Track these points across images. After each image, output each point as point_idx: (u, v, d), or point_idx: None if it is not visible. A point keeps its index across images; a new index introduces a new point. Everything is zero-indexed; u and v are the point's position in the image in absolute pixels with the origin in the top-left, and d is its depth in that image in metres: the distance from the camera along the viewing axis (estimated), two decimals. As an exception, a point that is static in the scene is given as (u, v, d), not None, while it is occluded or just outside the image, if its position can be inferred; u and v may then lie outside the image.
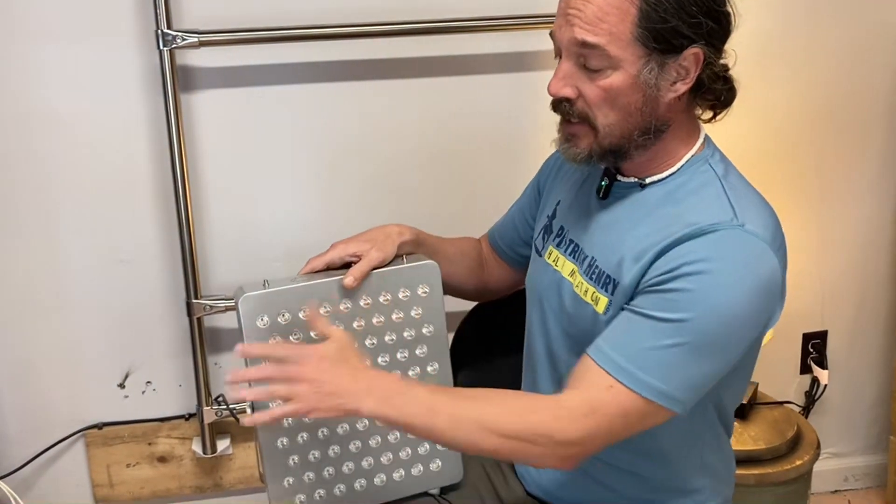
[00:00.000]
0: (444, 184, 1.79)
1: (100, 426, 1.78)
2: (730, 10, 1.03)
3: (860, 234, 2.06)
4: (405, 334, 1.23)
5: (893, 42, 1.92)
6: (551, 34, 1.06)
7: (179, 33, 1.52)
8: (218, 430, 1.79)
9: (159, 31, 1.51)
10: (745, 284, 0.98)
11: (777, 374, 2.07)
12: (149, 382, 1.80)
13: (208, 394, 1.73)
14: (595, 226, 1.13)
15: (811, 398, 2.10)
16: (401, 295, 1.21)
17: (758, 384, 1.86)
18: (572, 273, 1.14)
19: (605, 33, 0.97)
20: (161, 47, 1.52)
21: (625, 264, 1.05)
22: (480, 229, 1.82)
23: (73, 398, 1.76)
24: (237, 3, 1.60)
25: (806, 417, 2.08)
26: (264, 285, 1.14)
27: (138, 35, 1.58)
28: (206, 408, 1.72)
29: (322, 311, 1.17)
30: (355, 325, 1.20)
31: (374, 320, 1.21)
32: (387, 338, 1.22)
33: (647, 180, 1.09)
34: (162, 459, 1.82)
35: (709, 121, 1.12)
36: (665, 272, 0.99)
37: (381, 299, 1.21)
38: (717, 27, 1.01)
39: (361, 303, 1.20)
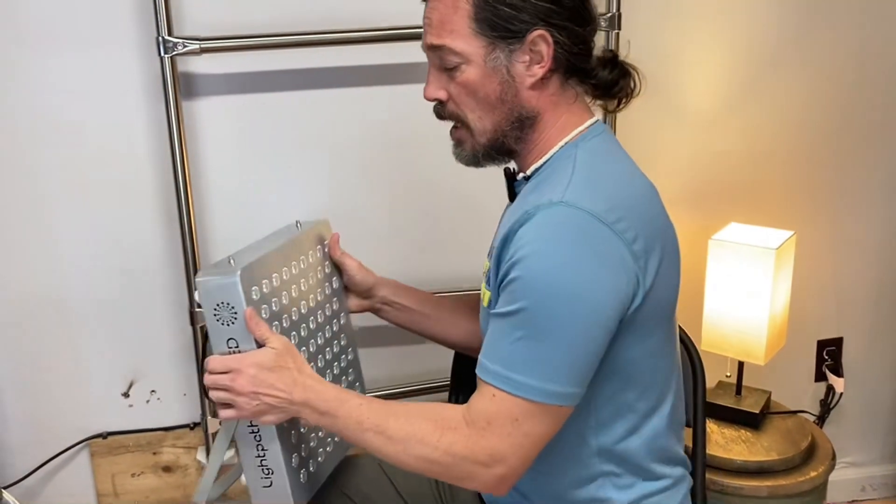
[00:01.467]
0: (449, 187, 1.78)
1: (104, 435, 1.77)
2: None
3: (875, 238, 2.03)
4: (327, 290, 1.29)
5: (910, 43, 1.90)
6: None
7: (181, 40, 1.51)
8: (222, 439, 1.78)
9: (160, 38, 1.50)
10: (568, 256, 0.97)
11: (791, 383, 2.04)
12: (153, 391, 1.79)
13: (212, 403, 1.72)
14: (499, 227, 1.16)
15: (826, 407, 2.07)
16: (311, 257, 1.27)
17: (770, 393, 1.82)
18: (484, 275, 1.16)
19: (447, 33, 1.06)
20: (162, 54, 1.51)
21: (494, 258, 1.07)
22: (486, 234, 1.80)
23: (77, 407, 1.76)
24: (238, 10, 1.59)
25: (821, 427, 2.04)
26: (231, 261, 1.11)
27: (139, 42, 1.57)
28: (210, 417, 1.71)
29: (295, 269, 1.20)
30: (311, 281, 1.24)
31: (311, 279, 1.25)
32: (319, 295, 1.27)
33: (529, 172, 1.12)
34: (167, 469, 1.81)
35: (615, 110, 1.16)
36: (504, 265, 1.01)
37: (306, 259, 1.26)
38: (552, 7, 1.04)
39: (303, 264, 1.23)
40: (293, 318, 1.19)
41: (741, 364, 1.77)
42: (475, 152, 1.12)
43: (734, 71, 1.86)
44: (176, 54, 1.51)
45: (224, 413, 1.07)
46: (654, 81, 1.80)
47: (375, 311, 1.40)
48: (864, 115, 1.94)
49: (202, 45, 1.52)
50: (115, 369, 1.76)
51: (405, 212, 1.77)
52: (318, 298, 1.26)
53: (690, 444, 1.37)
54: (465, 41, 1.05)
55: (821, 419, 2.07)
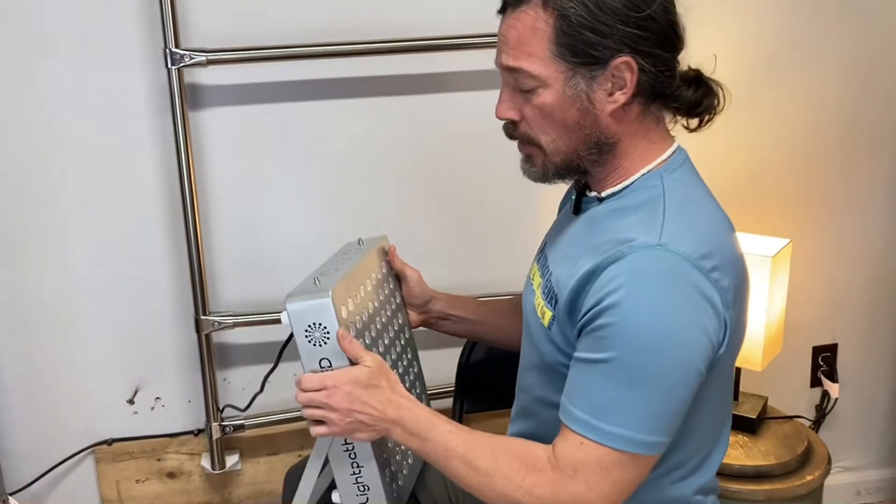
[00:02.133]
0: (454, 198, 1.80)
1: (109, 442, 1.79)
2: (659, 14, 1.01)
3: (870, 245, 2.06)
4: (393, 305, 1.30)
5: (903, 53, 1.94)
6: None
7: (188, 52, 1.53)
8: (226, 445, 1.80)
9: (168, 50, 1.53)
10: (664, 305, 0.95)
11: (787, 388, 2.06)
12: (158, 398, 1.81)
13: (217, 409, 1.73)
14: (561, 240, 1.14)
15: (822, 412, 2.09)
16: (379, 273, 1.28)
17: (767, 398, 1.85)
18: (539, 286, 1.14)
19: (525, 55, 1.00)
20: (170, 66, 1.53)
21: (563, 279, 1.05)
22: (489, 244, 1.83)
23: (83, 414, 1.78)
24: (244, 22, 1.62)
25: (817, 431, 2.07)
26: (316, 281, 1.11)
27: (147, 53, 1.60)
28: (214, 423, 1.73)
29: (370, 286, 1.20)
30: (381, 297, 1.24)
31: (381, 294, 1.26)
32: (388, 311, 1.28)
33: (603, 194, 1.08)
34: (171, 475, 1.83)
35: (696, 129, 1.10)
36: (592, 307, 0.97)
37: (376, 276, 1.27)
38: (640, 33, 0.99)
39: (374, 280, 1.24)
40: (372, 334, 1.18)
41: (738, 370, 1.80)
42: (546, 170, 1.08)
43: (730, 84, 1.87)
44: (183, 66, 1.53)
45: (316, 430, 1.06)
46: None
47: (431, 326, 1.40)
48: (858, 127, 1.97)
49: (209, 57, 1.54)
50: (120, 376, 1.78)
51: (410, 220, 1.79)
52: (388, 314, 1.27)
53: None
54: (542, 65, 1.00)
55: (816, 424, 2.09)
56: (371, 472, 1.13)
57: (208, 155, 1.67)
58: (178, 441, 1.82)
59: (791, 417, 1.85)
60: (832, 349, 2.09)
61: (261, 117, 1.68)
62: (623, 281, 0.95)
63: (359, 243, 1.30)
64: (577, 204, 1.14)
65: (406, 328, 1.35)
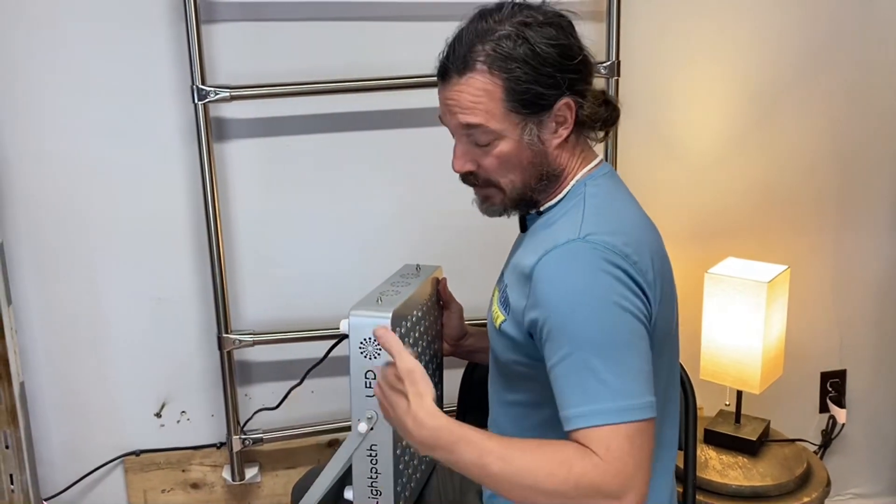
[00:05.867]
0: (469, 224, 1.83)
1: (137, 453, 1.87)
2: (582, 53, 1.12)
3: (877, 272, 2.07)
4: (434, 331, 1.39)
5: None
6: (440, 118, 1.18)
7: (213, 88, 1.63)
8: (246, 458, 1.87)
9: (194, 87, 1.63)
10: (585, 284, 1.03)
11: (795, 413, 2.08)
12: (183, 412, 1.89)
13: (237, 423, 1.81)
14: (512, 256, 1.24)
15: (828, 437, 2.11)
16: (430, 300, 1.36)
17: (769, 421, 1.87)
18: (496, 300, 1.23)
19: (482, 112, 1.10)
20: (196, 101, 1.63)
21: (512, 284, 1.15)
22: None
23: (113, 426, 1.86)
24: (264, 61, 1.71)
25: (822, 456, 2.08)
26: (379, 300, 1.20)
27: (175, 90, 1.70)
28: (235, 437, 1.81)
29: (422, 311, 1.28)
30: (427, 323, 1.32)
31: (428, 319, 1.34)
32: (430, 335, 1.36)
33: (542, 208, 1.19)
34: (194, 486, 1.91)
35: (602, 139, 1.22)
36: (534, 317, 1.06)
37: (428, 303, 1.35)
38: (576, 76, 1.11)
39: (426, 306, 1.33)
40: (415, 355, 1.25)
41: (739, 393, 1.83)
42: (505, 206, 1.18)
43: (732, 112, 1.93)
44: (209, 101, 1.63)
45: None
46: (655, 123, 1.91)
47: (459, 356, 1.48)
48: (864, 151, 1.99)
49: (232, 93, 1.64)
50: (148, 391, 1.86)
51: (431, 246, 1.84)
52: (429, 338, 1.35)
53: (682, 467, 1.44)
54: (499, 120, 1.09)
55: (822, 449, 2.10)
56: (386, 479, 1.21)
57: (231, 182, 1.76)
58: (201, 453, 1.89)
59: (792, 441, 1.87)
60: (841, 375, 2.11)
61: (279, 148, 1.76)
62: (550, 279, 1.05)
63: (416, 269, 1.38)
64: (522, 223, 1.24)
65: (439, 353, 1.43)
